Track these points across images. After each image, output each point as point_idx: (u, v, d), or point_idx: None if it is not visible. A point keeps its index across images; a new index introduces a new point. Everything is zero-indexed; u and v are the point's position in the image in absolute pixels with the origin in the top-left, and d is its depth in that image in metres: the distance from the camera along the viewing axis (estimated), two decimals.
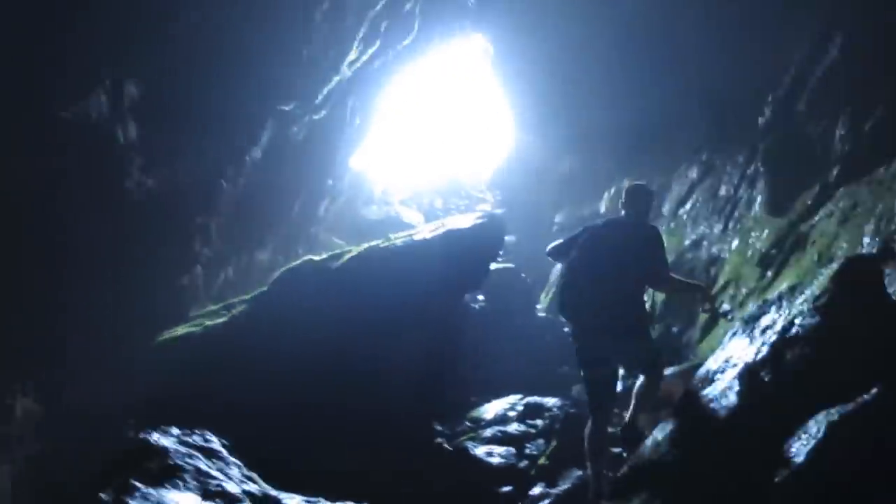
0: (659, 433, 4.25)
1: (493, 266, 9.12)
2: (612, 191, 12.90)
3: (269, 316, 7.86)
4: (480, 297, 10.91)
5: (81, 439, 6.77)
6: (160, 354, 7.80)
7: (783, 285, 5.13)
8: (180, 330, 8.29)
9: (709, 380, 4.24)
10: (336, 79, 12.10)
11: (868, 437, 3.16)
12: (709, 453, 3.82)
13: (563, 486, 5.67)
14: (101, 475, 3.12)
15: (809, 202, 6.92)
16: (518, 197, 17.10)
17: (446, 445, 6.64)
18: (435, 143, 46.71)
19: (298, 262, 8.79)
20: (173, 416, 4.46)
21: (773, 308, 4.22)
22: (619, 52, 10.99)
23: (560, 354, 9.33)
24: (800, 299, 4.02)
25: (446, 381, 7.83)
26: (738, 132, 8.90)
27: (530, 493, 5.78)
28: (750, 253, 7.64)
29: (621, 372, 5.37)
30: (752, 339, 4.16)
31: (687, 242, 9.30)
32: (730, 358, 4.21)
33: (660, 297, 8.63)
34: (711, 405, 4.05)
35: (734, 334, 4.42)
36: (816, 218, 6.64)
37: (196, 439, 3.59)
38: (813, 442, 3.24)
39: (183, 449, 3.42)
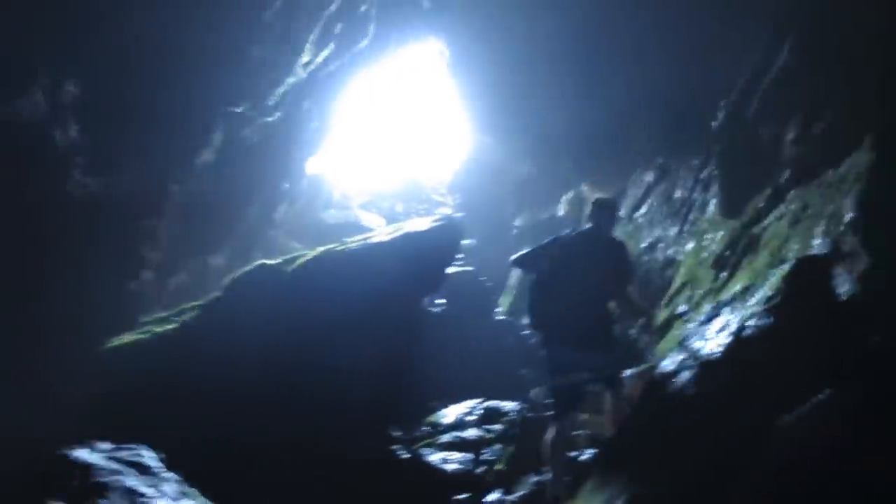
0: None
1: (452, 269, 9.08)
2: (571, 195, 12.94)
3: (221, 322, 7.65)
4: (439, 301, 10.84)
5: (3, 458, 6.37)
6: (103, 364, 7.46)
7: (737, 286, 5.16)
8: (127, 338, 7.99)
9: (666, 381, 4.22)
10: (290, 81, 11.87)
11: (821, 438, 3.15)
12: (665, 455, 3.79)
13: (520, 492, 5.61)
14: (11, 498, 2.87)
15: (762, 204, 6.97)
16: (477, 200, 17.07)
17: (402, 453, 6.51)
18: (395, 146, 46.82)
19: (252, 266, 8.60)
20: (111, 429, 4.24)
21: (727, 309, 4.24)
22: (575, 56, 11.00)
23: (519, 357, 9.32)
24: (753, 300, 4.04)
25: (405, 386, 7.73)
26: (693, 136, 8.97)
27: (485, 500, 5.70)
28: (705, 255, 7.68)
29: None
30: (707, 340, 4.16)
31: (643, 245, 9.34)
32: (685, 359, 4.20)
33: None
34: (668, 405, 4.04)
35: (690, 336, 4.42)
36: (768, 220, 6.69)
37: (127, 454, 3.36)
38: (768, 442, 3.23)
39: (113, 465, 3.18)
